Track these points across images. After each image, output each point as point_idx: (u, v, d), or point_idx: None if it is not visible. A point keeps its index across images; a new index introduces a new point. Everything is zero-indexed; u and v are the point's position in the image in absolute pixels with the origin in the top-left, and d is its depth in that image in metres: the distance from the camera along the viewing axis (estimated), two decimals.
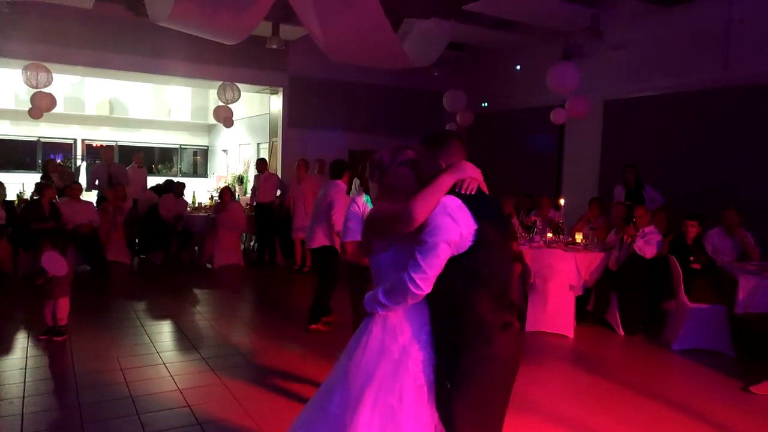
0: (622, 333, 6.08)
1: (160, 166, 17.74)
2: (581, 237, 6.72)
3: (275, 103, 12.52)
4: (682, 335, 5.61)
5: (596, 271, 6.26)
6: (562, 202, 7.15)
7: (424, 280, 2.03)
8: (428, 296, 2.09)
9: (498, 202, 2.37)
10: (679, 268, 5.60)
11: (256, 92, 13.04)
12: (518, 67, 11.32)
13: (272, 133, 12.68)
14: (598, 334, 6.16)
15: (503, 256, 2.21)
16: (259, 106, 13.79)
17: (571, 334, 5.96)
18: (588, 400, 4.40)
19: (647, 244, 6.05)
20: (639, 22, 9.03)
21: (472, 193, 2.16)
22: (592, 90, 9.03)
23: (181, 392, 4.21)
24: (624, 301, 6.12)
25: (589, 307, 6.48)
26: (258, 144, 13.98)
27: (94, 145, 16.92)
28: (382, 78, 12.20)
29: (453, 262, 2.05)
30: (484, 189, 2.29)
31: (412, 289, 2.03)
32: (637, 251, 6.04)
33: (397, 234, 2.16)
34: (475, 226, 2.06)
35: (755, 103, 7.78)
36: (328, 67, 11.48)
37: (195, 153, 18.58)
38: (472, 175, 2.19)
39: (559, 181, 10.81)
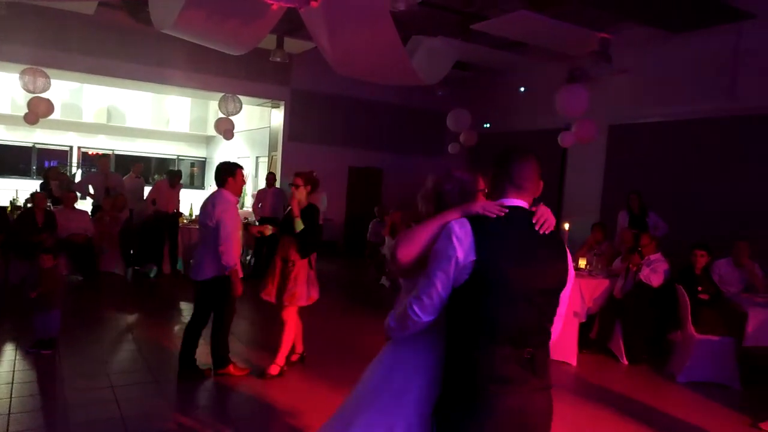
0: (626, 362, 5.94)
1: (156, 176, 17.61)
2: (585, 262, 6.61)
3: (276, 116, 12.45)
4: (688, 367, 5.47)
5: (600, 298, 6.15)
6: (566, 226, 7.04)
7: (422, 308, 1.91)
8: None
9: (538, 238, 1.96)
10: (687, 298, 5.49)
11: (257, 105, 12.97)
12: (522, 89, 11.31)
13: (272, 147, 12.60)
14: (602, 363, 6.02)
15: (514, 299, 1.89)
16: (259, 120, 13.73)
17: (573, 362, 5.81)
18: (589, 431, 4.26)
19: (653, 272, 5.94)
20: (645, 47, 9.03)
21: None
22: (596, 114, 8.99)
23: (173, 414, 4.04)
24: (628, 329, 5.99)
25: (593, 334, 6.34)
26: (257, 157, 13.89)
27: (90, 153, 16.80)
28: (385, 95, 12.17)
29: (452, 295, 1.90)
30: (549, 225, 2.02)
31: (411, 314, 1.93)
32: (643, 280, 5.94)
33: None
34: (474, 257, 1.84)
35: (764, 133, 7.76)
36: (330, 82, 11.46)
37: (192, 164, 18.47)
38: (481, 211, 1.96)
39: (559, 205, 10.73)
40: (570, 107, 7.31)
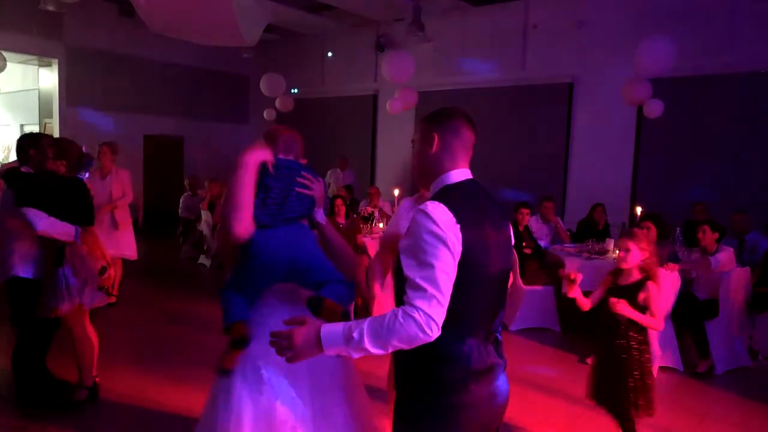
0: None
1: None
2: None
3: (47, 77, 10.52)
4: (518, 317, 6.01)
5: None
6: (396, 192, 7.15)
7: (437, 313, 1.56)
8: None
9: (497, 213, 1.79)
10: (515, 253, 5.96)
11: (19, 63, 10.80)
12: (330, 54, 11.14)
13: (45, 113, 10.65)
14: None
15: (488, 287, 1.71)
16: (22, 80, 11.50)
17: None
18: None
19: None
20: (449, 17, 9.46)
21: None
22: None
23: None
24: None
25: None
26: (22, 125, 11.66)
27: None
28: (182, 57, 11.06)
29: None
30: None
31: (423, 326, 1.54)
32: None
33: None
34: (461, 248, 1.58)
35: (549, 100, 8.73)
36: (115, 40, 10.05)
37: None
38: None
39: (372, 173, 10.93)
40: (397, 73, 7.35)
